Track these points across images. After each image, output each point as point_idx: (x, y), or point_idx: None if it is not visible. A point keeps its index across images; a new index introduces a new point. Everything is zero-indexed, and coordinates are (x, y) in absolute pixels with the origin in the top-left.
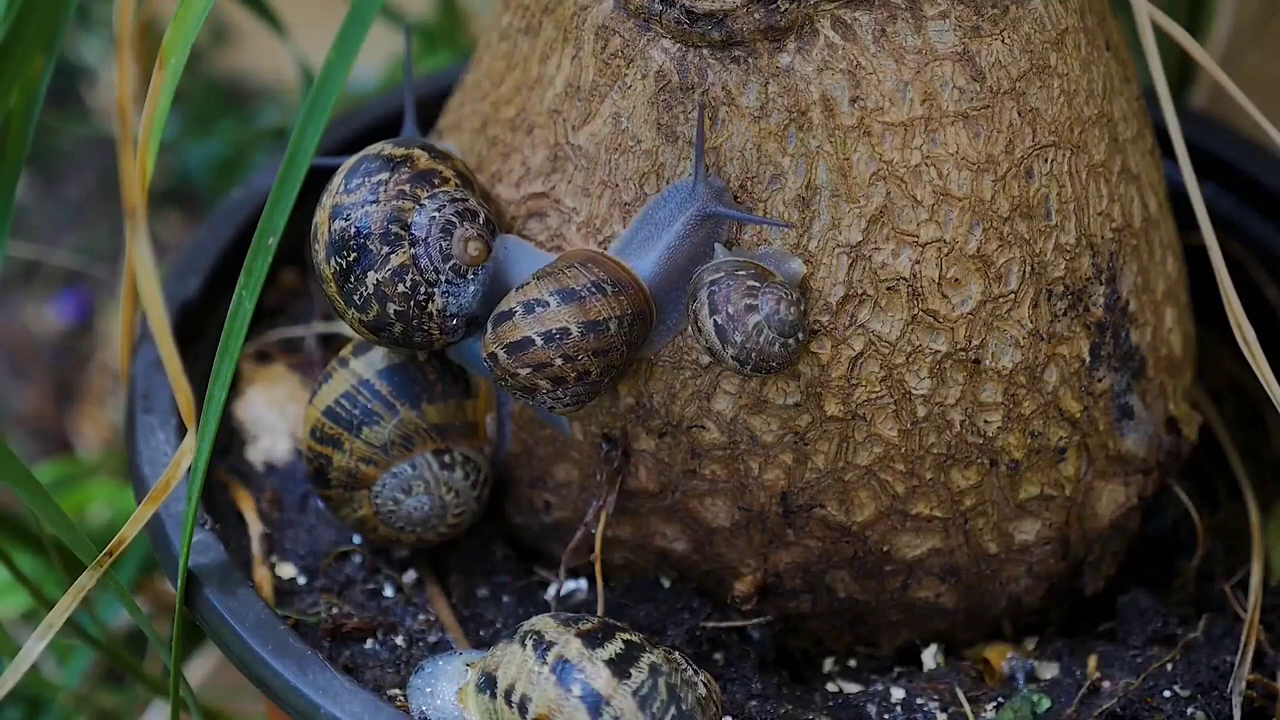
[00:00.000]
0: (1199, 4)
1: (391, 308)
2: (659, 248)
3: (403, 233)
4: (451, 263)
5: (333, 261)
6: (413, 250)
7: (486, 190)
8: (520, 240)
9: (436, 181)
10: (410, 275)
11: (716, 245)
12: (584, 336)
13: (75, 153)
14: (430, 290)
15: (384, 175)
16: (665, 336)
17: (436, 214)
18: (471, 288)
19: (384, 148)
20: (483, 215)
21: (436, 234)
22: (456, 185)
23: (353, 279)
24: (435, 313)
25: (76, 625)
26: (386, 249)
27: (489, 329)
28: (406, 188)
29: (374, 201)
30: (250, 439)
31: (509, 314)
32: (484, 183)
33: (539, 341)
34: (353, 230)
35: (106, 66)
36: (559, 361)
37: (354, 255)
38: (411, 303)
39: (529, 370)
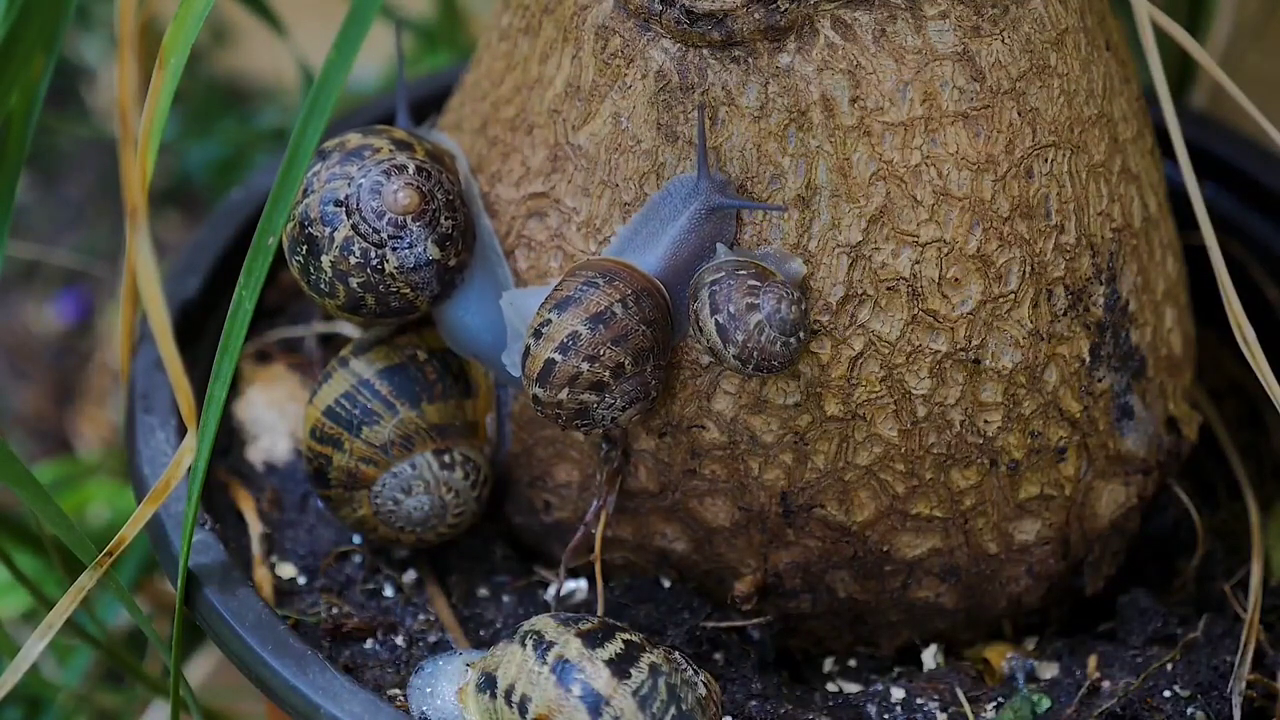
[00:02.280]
0: (1199, 4)
1: (354, 282)
2: (664, 243)
3: (339, 209)
4: (387, 217)
5: (293, 261)
6: (350, 221)
7: (441, 151)
8: (521, 290)
9: (367, 154)
10: (357, 244)
11: (718, 245)
12: (594, 331)
13: (75, 153)
14: (380, 251)
15: (316, 167)
16: (675, 337)
17: (364, 180)
18: (420, 235)
19: (320, 145)
20: (413, 166)
21: (367, 196)
22: (390, 151)
23: (312, 270)
24: (395, 271)
25: (76, 625)
26: (329, 228)
27: (521, 375)
28: (338, 169)
29: (310, 192)
30: (250, 439)
31: (527, 349)
32: (483, 183)
33: (559, 358)
34: (298, 225)
35: (106, 66)
36: (585, 366)
37: (306, 246)
38: (368, 270)
39: (566, 390)
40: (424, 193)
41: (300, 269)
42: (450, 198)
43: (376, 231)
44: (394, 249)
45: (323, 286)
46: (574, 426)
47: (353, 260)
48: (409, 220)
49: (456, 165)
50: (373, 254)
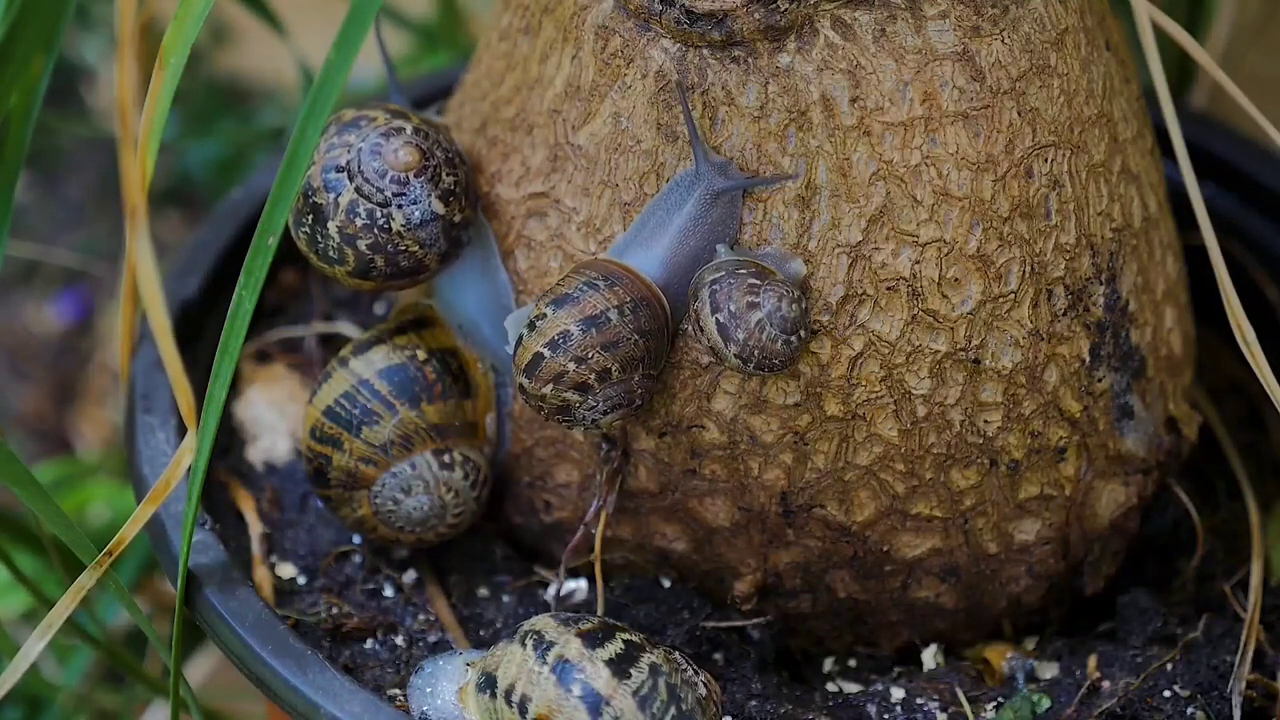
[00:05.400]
0: (1199, 4)
1: (362, 244)
2: (669, 234)
3: (341, 174)
4: (389, 176)
5: (300, 233)
6: (354, 184)
7: (435, 124)
8: (525, 308)
9: (364, 123)
10: (362, 206)
11: (718, 246)
12: (586, 334)
13: (75, 153)
14: (386, 210)
15: (316, 142)
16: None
17: (363, 145)
18: (423, 191)
19: None
20: (410, 127)
21: (368, 158)
22: (386, 119)
23: (320, 238)
24: (401, 229)
25: (76, 625)
26: (333, 194)
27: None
28: (336, 139)
29: (311, 164)
30: (250, 439)
31: (519, 340)
32: (483, 183)
33: (547, 353)
34: (301, 196)
35: (106, 66)
36: (572, 367)
37: (311, 216)
38: (376, 230)
39: (551, 386)
40: (424, 150)
41: (308, 239)
42: (450, 155)
43: (380, 191)
44: (399, 206)
45: (331, 254)
46: (555, 421)
47: (359, 222)
48: (411, 177)
49: (451, 136)
50: (378, 214)
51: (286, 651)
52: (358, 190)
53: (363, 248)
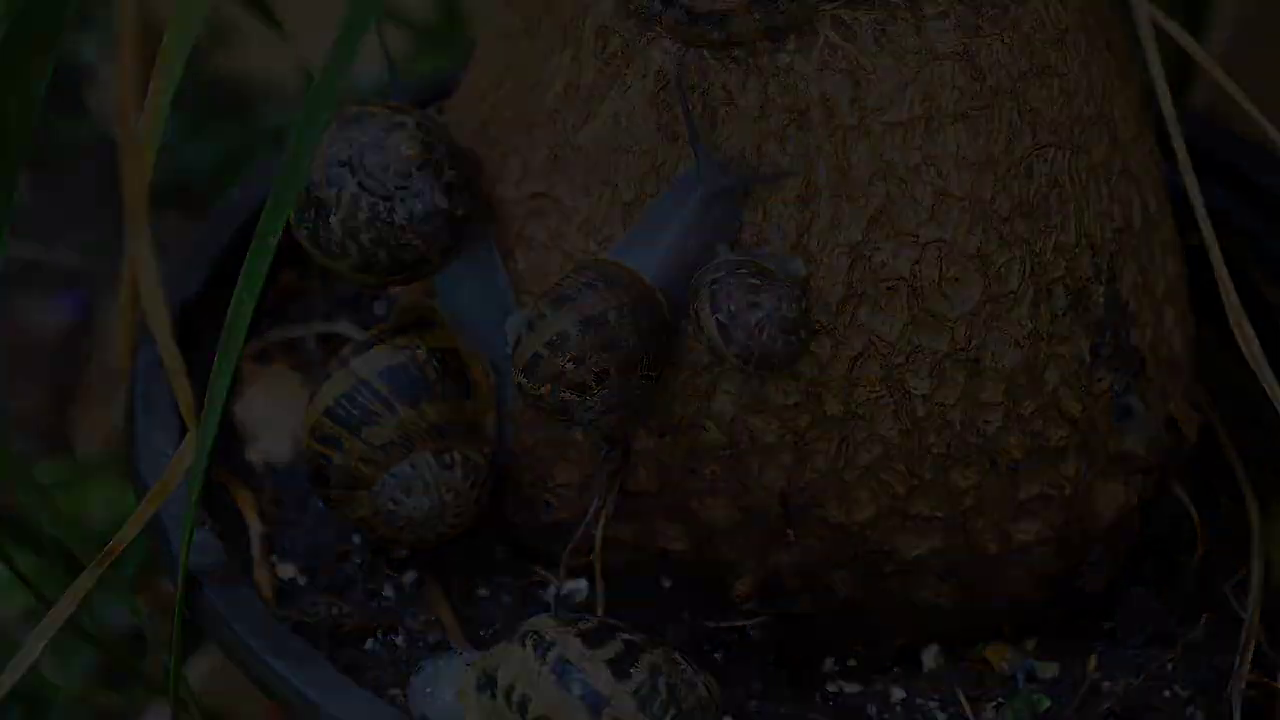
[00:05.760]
0: (1199, 4)
1: (364, 238)
2: (671, 233)
3: (343, 168)
4: (392, 169)
5: (302, 229)
6: (356, 178)
7: (438, 121)
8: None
9: (366, 119)
10: (365, 200)
11: (719, 246)
12: (584, 334)
13: (75, 153)
14: (389, 204)
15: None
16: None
17: (366, 139)
18: (425, 184)
19: None
20: (412, 122)
21: (370, 152)
22: (387, 115)
23: (323, 233)
24: (404, 223)
25: (76, 625)
26: (335, 189)
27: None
28: (338, 135)
29: (311, 161)
30: (250, 439)
31: (518, 340)
32: (484, 183)
33: (546, 353)
34: (304, 192)
35: (106, 66)
36: (570, 367)
37: (314, 210)
38: (379, 224)
39: (549, 386)
40: (426, 144)
41: (310, 235)
42: (452, 150)
43: (383, 184)
44: (402, 200)
45: (334, 248)
46: (553, 419)
47: (361, 216)
48: (414, 170)
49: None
50: (381, 207)
51: (286, 651)
52: (360, 184)
53: (365, 241)
